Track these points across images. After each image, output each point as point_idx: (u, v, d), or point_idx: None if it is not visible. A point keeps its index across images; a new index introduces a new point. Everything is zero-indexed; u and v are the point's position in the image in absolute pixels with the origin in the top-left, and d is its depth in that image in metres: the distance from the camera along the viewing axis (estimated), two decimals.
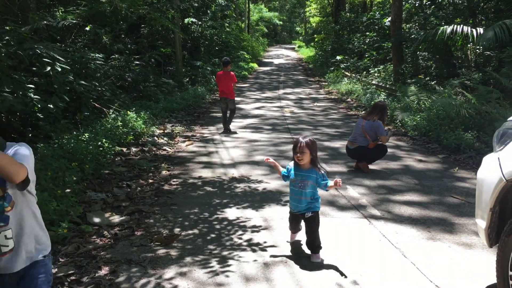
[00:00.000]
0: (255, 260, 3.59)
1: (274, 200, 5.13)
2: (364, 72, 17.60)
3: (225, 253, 3.72)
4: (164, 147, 7.85)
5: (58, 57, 7.82)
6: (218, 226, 4.31)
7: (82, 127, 7.53)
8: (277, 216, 4.59)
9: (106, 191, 5.25)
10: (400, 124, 10.00)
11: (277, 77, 23.39)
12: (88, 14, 12.34)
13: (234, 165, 6.77)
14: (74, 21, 11.83)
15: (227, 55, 19.57)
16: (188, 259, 3.61)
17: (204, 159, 7.16)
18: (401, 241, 3.99)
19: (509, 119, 3.04)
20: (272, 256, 3.68)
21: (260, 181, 5.86)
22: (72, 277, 3.28)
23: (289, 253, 3.75)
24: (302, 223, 3.81)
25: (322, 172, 3.59)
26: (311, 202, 3.61)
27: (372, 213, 4.71)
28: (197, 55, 21.12)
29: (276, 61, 33.57)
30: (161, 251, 3.76)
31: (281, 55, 39.90)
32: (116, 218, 4.47)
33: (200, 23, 20.16)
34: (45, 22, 10.41)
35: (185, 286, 3.19)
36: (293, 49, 47.74)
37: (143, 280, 3.27)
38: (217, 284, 3.22)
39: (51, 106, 7.11)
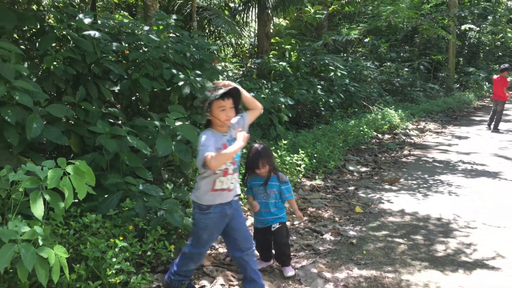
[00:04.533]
0: (449, 196, 5.64)
1: (487, 175, 6.77)
2: None
3: (428, 192, 5.89)
4: (413, 137, 10.07)
5: (339, 65, 11.17)
6: (431, 182, 6.44)
7: (351, 118, 10.58)
8: (487, 182, 6.33)
9: (360, 156, 8.02)
10: None
11: None
12: (368, 29, 15.57)
13: (468, 153, 8.45)
14: (356, 36, 15.32)
15: (509, 61, 19.57)
16: (402, 192, 5.97)
17: (444, 147, 9.05)
18: None
19: None
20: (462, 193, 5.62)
21: (483, 165, 7.47)
22: (333, 187, 6.16)
23: (477, 191, 5.58)
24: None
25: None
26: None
27: None
28: (474, 62, 21.81)
29: None
30: (387, 187, 6.23)
31: None
32: (363, 169, 7.18)
33: (478, 29, 20.81)
34: (333, 37, 14.13)
35: (395, 200, 5.59)
36: None
37: (372, 194, 5.85)
38: (416, 202, 5.50)
39: (331, 101, 10.43)
